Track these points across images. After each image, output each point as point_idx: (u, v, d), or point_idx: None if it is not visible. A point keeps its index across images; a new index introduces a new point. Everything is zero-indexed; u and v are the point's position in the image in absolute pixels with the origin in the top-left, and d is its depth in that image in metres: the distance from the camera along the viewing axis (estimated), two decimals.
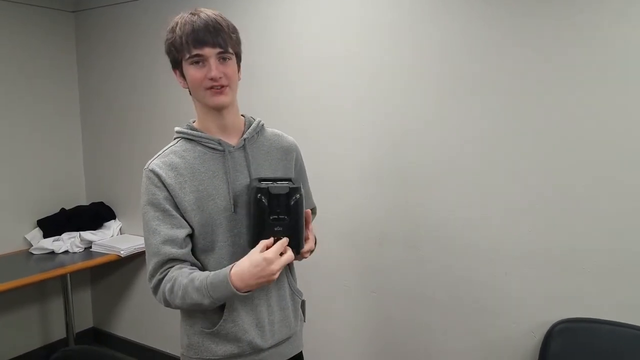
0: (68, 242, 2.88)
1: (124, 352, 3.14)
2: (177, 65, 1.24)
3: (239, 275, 1.10)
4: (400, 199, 2.10)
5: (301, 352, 1.48)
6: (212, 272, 1.15)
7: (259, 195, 1.17)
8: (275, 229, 1.16)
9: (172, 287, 1.17)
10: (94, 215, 3.05)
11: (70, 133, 3.24)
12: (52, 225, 2.96)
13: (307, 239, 1.26)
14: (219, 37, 1.17)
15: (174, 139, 1.31)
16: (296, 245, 1.19)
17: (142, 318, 3.12)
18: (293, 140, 1.44)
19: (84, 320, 3.36)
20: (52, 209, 3.08)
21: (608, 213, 1.70)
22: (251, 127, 1.33)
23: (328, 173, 2.26)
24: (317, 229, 1.99)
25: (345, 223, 2.26)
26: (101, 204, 3.18)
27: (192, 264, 1.25)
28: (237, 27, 1.26)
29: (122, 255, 2.77)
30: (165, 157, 1.25)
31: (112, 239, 2.98)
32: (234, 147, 1.29)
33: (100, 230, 3.03)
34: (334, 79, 2.20)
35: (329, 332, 2.38)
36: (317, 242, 1.38)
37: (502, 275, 1.90)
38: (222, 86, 1.20)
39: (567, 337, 1.73)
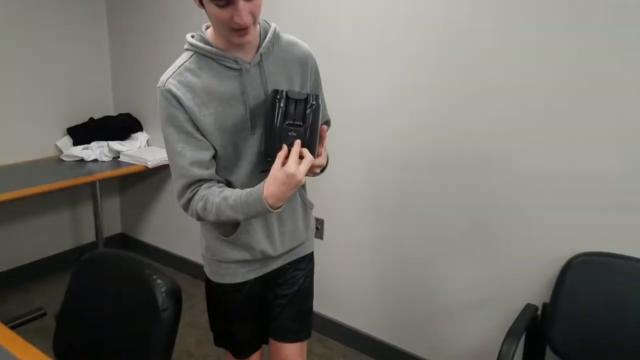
0: (97, 150, 2.90)
1: (150, 258, 3.25)
2: None
3: (271, 194, 1.13)
4: (425, 124, 2.06)
5: (312, 252, 1.55)
6: (245, 191, 1.17)
7: (277, 97, 1.15)
8: (290, 133, 1.14)
9: (205, 205, 1.20)
10: (122, 126, 3.04)
11: (97, 42, 3.18)
12: (81, 134, 2.98)
13: (319, 154, 1.23)
14: None
15: (186, 52, 1.24)
16: (310, 151, 1.16)
17: (168, 226, 3.19)
18: (308, 48, 1.35)
19: (113, 226, 3.48)
20: (82, 118, 3.10)
21: (636, 147, 1.64)
22: (267, 39, 1.24)
23: (353, 97, 2.20)
24: (339, 153, 1.98)
25: (368, 148, 2.23)
26: (129, 115, 3.16)
27: (219, 182, 1.26)
28: None
29: (149, 167, 2.80)
30: (181, 76, 1.19)
31: (140, 150, 2.98)
32: (250, 63, 1.22)
33: (127, 141, 3.03)
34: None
35: (345, 251, 2.40)
36: (330, 161, 1.36)
37: (524, 205, 1.87)
38: (245, 28, 1.11)
39: (584, 270, 1.72)
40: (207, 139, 1.22)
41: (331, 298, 2.47)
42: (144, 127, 3.14)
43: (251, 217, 1.20)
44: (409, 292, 2.25)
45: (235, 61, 1.20)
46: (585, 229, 1.76)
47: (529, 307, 1.85)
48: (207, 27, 1.25)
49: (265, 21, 1.28)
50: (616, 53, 1.61)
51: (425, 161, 2.09)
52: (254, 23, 1.13)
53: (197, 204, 1.21)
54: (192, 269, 3.09)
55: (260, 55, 1.23)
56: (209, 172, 1.23)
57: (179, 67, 1.21)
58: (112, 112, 3.27)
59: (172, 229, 3.17)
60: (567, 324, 1.72)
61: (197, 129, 1.20)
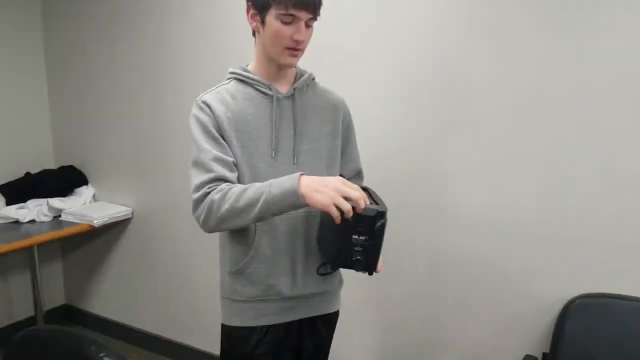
0: (34, 210, 2.69)
1: (99, 331, 3.06)
2: (261, 10, 1.24)
3: (307, 178, 1.13)
4: (405, 172, 2.02)
5: (337, 311, 1.53)
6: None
7: (379, 221, 1.15)
8: (356, 248, 1.15)
9: (225, 194, 1.19)
10: (63, 180, 2.86)
11: (35, 89, 2.98)
12: (16, 192, 2.76)
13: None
14: (316, 3, 1.23)
15: (227, 79, 1.36)
16: (370, 267, 1.18)
17: (118, 294, 2.99)
18: (342, 97, 1.47)
19: (55, 297, 3.21)
20: (16, 173, 2.86)
21: (625, 186, 1.65)
22: (302, 79, 1.37)
23: None
24: None
25: None
26: (71, 168, 2.98)
27: None
28: None
29: (95, 225, 2.63)
30: (218, 94, 1.31)
31: (84, 207, 2.79)
32: (283, 95, 1.33)
33: (70, 197, 2.85)
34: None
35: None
36: None
37: (519, 251, 1.84)
38: (299, 50, 1.26)
39: (583, 312, 1.69)
40: (230, 149, 1.28)
41: None
42: (89, 180, 2.96)
43: (270, 200, 1.13)
44: (399, 347, 2.16)
45: (269, 87, 1.32)
46: (580, 271, 1.75)
47: (528, 359, 1.80)
48: (247, 65, 1.38)
49: (303, 70, 1.42)
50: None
51: (414, 211, 2.02)
52: (302, 50, 1.29)
53: (216, 195, 1.19)
54: (147, 341, 2.89)
55: (294, 89, 1.34)
56: (234, 175, 1.25)
57: (217, 87, 1.34)
58: (52, 165, 3.06)
59: (123, 297, 2.97)
60: None
61: (223, 137, 1.27)
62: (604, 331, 1.64)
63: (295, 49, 1.25)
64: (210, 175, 1.22)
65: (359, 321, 2.22)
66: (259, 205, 1.14)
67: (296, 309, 1.39)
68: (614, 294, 1.66)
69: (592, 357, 1.64)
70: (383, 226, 1.15)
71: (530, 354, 1.82)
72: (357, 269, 1.19)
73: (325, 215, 1.20)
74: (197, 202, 1.22)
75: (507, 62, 1.77)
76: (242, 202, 1.16)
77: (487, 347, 1.93)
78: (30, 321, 2.95)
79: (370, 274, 1.21)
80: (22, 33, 2.90)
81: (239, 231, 1.32)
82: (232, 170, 1.25)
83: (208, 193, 1.21)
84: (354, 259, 1.15)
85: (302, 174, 1.14)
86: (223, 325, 1.41)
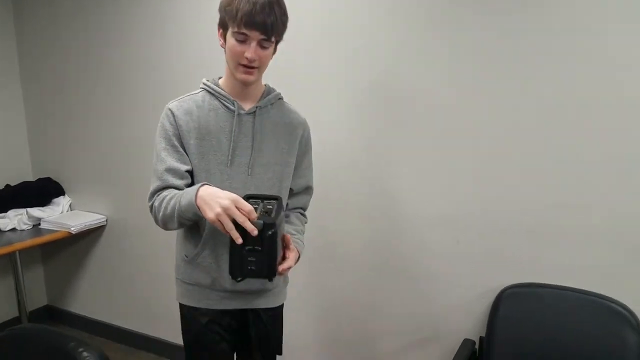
0: (15, 219, 2.79)
1: (80, 329, 3.15)
2: (223, 28, 1.34)
3: (205, 189, 1.22)
4: (355, 170, 2.11)
5: (281, 306, 1.60)
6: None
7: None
8: (249, 258, 1.19)
9: (161, 202, 1.33)
10: (41, 191, 2.95)
11: (11, 102, 3.05)
12: None
13: (287, 257, 1.33)
14: (268, 25, 1.27)
15: (199, 89, 1.44)
16: (268, 273, 1.23)
17: (96, 293, 3.10)
18: (304, 119, 1.53)
19: (38, 298, 3.30)
20: None
21: (553, 180, 1.74)
22: (267, 98, 1.44)
23: None
24: None
25: None
26: (48, 179, 3.06)
27: None
28: None
29: (72, 232, 2.72)
30: (185, 103, 1.40)
31: (62, 216, 2.90)
32: (245, 111, 1.41)
33: (48, 206, 2.94)
34: None
35: None
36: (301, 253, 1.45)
37: (454, 243, 1.94)
38: (253, 67, 1.32)
39: (515, 301, 1.80)
40: (188, 157, 1.38)
41: None
42: (65, 190, 3.05)
43: (182, 208, 1.25)
44: (346, 335, 2.25)
45: (233, 103, 1.39)
46: (511, 261, 1.85)
47: (466, 342, 1.91)
48: (220, 78, 1.46)
49: (273, 88, 1.49)
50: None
51: (355, 206, 2.13)
52: (259, 70, 1.35)
53: (156, 203, 1.34)
54: (126, 337, 2.99)
55: (257, 107, 1.42)
56: (181, 183, 1.35)
57: (187, 96, 1.43)
58: (31, 177, 3.14)
59: (101, 297, 3.08)
60: (504, 355, 1.77)
61: (182, 145, 1.37)
62: (532, 315, 1.75)
63: (248, 66, 1.31)
64: (160, 184, 1.35)
65: (303, 312, 2.31)
66: (175, 214, 1.28)
67: (235, 300, 1.47)
68: (541, 283, 1.77)
69: (522, 339, 1.75)
70: (273, 235, 1.18)
71: (469, 337, 1.93)
72: (254, 277, 1.25)
73: None
74: (150, 209, 1.38)
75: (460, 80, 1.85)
76: (168, 210, 1.30)
77: (430, 333, 2.04)
78: (15, 322, 3.03)
79: (270, 280, 1.27)
80: None
81: (192, 225, 1.41)
82: (182, 178, 1.35)
83: (155, 200, 1.36)
84: (248, 267, 1.19)
85: (203, 184, 1.24)
86: (179, 304, 1.52)
